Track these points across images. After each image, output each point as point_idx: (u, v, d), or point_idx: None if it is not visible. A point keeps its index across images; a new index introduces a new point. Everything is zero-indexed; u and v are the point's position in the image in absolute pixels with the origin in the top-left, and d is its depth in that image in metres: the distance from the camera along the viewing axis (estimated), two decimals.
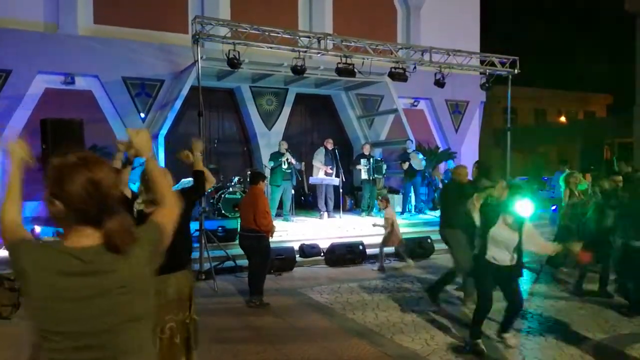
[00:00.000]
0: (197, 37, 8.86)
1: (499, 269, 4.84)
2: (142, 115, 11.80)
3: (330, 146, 11.66)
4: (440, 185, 13.13)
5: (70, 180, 1.61)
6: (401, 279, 7.88)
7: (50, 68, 11.02)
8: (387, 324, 5.80)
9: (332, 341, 5.30)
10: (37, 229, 8.02)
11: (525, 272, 6.18)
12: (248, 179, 7.04)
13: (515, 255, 4.86)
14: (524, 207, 4.69)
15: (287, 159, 10.88)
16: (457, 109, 15.76)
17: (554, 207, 11.12)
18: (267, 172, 10.77)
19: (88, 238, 1.64)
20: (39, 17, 11.21)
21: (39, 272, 1.59)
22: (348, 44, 10.68)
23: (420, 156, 12.22)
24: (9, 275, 6.77)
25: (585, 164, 11.12)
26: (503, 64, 12.09)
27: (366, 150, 12.22)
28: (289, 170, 10.98)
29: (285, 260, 8.34)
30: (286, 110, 13.66)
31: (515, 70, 12.06)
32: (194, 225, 6.98)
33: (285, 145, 11.09)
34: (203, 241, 7.87)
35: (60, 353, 1.60)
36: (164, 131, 10.77)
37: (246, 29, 9.63)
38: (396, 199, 13.12)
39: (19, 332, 5.52)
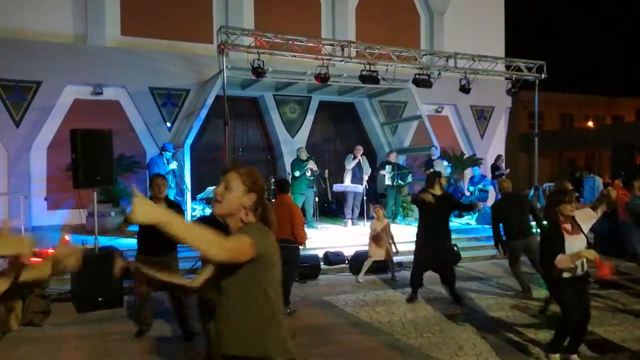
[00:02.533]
0: (222, 47, 8.95)
1: (575, 280, 4.56)
2: (169, 124, 11.98)
3: (356, 153, 11.61)
4: (467, 192, 12.99)
5: (258, 180, 2.43)
6: (427, 288, 7.77)
7: (79, 79, 11.27)
8: (414, 333, 5.72)
9: (359, 350, 5.25)
10: (67, 237, 8.16)
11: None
12: (272, 187, 7.03)
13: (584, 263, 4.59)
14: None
15: (310, 167, 10.89)
16: (482, 115, 15.59)
17: None
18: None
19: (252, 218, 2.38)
20: (68, 30, 11.49)
21: (270, 247, 2.32)
22: (371, 51, 10.67)
23: (445, 163, 12.10)
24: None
25: (615, 170, 10.85)
26: (529, 69, 11.92)
27: (392, 158, 12.15)
28: (312, 178, 10.99)
29: (310, 267, 8.32)
30: (309, 118, 13.69)
31: (542, 75, 11.87)
32: None
33: (304, 153, 11.10)
34: None
35: (278, 295, 2.37)
36: (189, 140, 10.89)
37: (270, 38, 9.70)
38: None
39: (50, 338, 5.62)
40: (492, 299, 7.08)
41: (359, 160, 11.55)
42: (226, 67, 9.17)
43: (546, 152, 26.12)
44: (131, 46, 11.80)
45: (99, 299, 6.55)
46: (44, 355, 5.22)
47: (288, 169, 11.63)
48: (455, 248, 9.54)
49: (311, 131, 13.77)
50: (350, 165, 11.50)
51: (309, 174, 10.90)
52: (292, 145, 13.05)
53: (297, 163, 10.98)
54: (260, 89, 12.60)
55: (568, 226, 4.56)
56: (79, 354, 5.25)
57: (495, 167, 14.60)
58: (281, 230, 6.44)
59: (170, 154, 10.25)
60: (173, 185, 10.18)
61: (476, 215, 12.19)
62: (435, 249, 6.90)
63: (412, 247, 9.57)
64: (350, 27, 14.02)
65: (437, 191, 6.90)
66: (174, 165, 10.17)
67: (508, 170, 14.70)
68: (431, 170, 11.87)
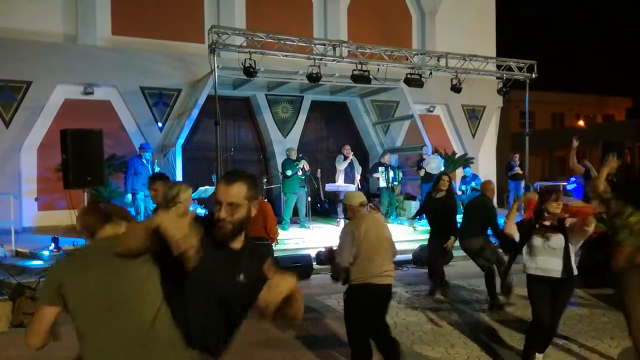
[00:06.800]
0: (214, 46, 8.94)
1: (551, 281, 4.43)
2: (160, 124, 11.93)
3: (346, 153, 11.63)
4: (459, 191, 13.04)
5: None
6: (419, 286, 7.80)
7: (69, 79, 11.21)
8: (406, 332, 5.74)
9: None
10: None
11: None
12: (265, 187, 6.90)
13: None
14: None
15: (302, 166, 10.89)
16: (473, 114, 15.66)
17: None
18: (279, 179, 10.86)
19: None
20: (58, 29, 11.42)
21: None
22: (363, 50, 10.69)
23: (439, 159, 12.07)
24: (29, 284, 6.86)
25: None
26: (520, 69, 11.99)
27: (385, 160, 12.17)
28: (303, 177, 11.01)
29: (302, 267, 8.31)
30: (302, 118, 13.69)
31: (533, 75, 11.94)
32: None
33: (294, 152, 11.13)
34: None
35: None
36: (181, 140, 10.87)
37: (262, 38, 9.70)
38: (413, 206, 13.05)
39: None
40: (484, 298, 7.11)
41: (350, 160, 11.57)
42: (217, 66, 9.15)
43: (537, 151, 26.27)
44: (122, 46, 11.74)
45: None
46: (33, 356, 5.17)
47: (280, 168, 11.63)
48: None
49: (303, 131, 13.77)
50: (341, 166, 11.52)
51: (300, 173, 10.90)
52: (284, 145, 13.04)
53: (288, 163, 10.98)
54: (252, 88, 12.58)
55: (547, 222, 4.45)
56: (69, 355, 5.21)
57: (509, 167, 14.71)
58: (254, 228, 6.34)
59: (149, 153, 10.19)
60: None
61: None
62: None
63: (405, 246, 9.68)
64: (342, 27, 14.03)
65: (438, 194, 7.08)
66: (157, 168, 10.15)
67: (518, 168, 14.66)
68: (422, 169, 11.95)
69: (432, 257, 7.38)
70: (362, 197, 4.47)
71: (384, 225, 4.55)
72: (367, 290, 4.18)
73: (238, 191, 2.13)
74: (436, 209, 7.10)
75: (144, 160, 9.98)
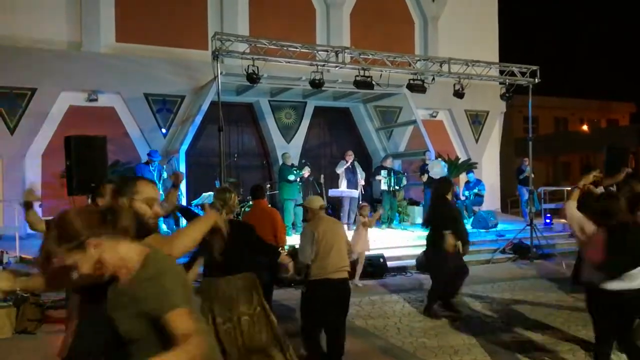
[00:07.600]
0: (217, 53, 8.97)
1: None
2: (164, 130, 11.98)
3: (347, 158, 11.66)
4: (462, 196, 13.02)
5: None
6: (423, 293, 7.78)
7: (73, 86, 11.27)
8: (409, 338, 5.73)
9: (354, 356, 5.24)
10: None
11: None
12: (250, 193, 6.69)
13: None
14: None
15: (305, 173, 10.94)
16: (477, 119, 15.65)
17: None
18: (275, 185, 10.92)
19: None
20: (62, 36, 11.50)
21: None
22: (366, 56, 10.70)
23: (443, 163, 12.06)
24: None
25: (609, 173, 10.87)
26: (523, 74, 11.96)
27: (387, 163, 12.19)
28: (300, 184, 11.08)
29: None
30: (305, 124, 13.71)
31: (536, 80, 11.91)
32: None
33: (290, 158, 11.20)
34: None
35: None
36: (184, 146, 10.90)
37: (265, 44, 9.73)
38: (417, 211, 13.04)
39: (43, 346, 5.59)
40: (487, 304, 7.10)
41: (353, 164, 11.60)
42: (221, 73, 9.18)
43: (541, 156, 26.24)
44: (126, 52, 11.80)
45: None
46: None
47: (277, 175, 11.69)
48: None
49: (306, 136, 13.79)
50: (339, 169, 11.58)
51: (299, 179, 10.96)
52: (287, 151, 13.06)
53: (285, 168, 11.01)
54: (256, 94, 12.62)
55: None
56: None
57: (519, 171, 14.57)
58: (263, 236, 6.20)
59: (157, 161, 10.25)
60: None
61: (472, 219, 12.23)
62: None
63: (409, 251, 9.65)
64: (345, 33, 14.07)
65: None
66: (164, 175, 10.24)
67: (529, 170, 14.37)
68: (425, 174, 11.94)
69: (444, 267, 6.51)
70: (321, 201, 5.05)
71: (340, 226, 5.11)
72: (326, 285, 4.63)
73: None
74: (452, 213, 6.68)
75: (150, 168, 10.05)
